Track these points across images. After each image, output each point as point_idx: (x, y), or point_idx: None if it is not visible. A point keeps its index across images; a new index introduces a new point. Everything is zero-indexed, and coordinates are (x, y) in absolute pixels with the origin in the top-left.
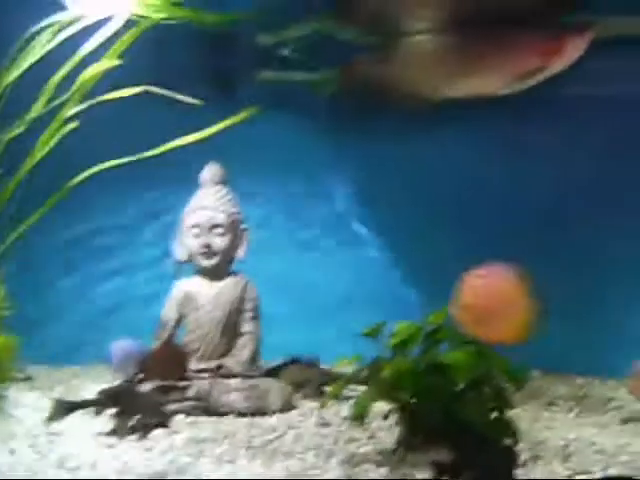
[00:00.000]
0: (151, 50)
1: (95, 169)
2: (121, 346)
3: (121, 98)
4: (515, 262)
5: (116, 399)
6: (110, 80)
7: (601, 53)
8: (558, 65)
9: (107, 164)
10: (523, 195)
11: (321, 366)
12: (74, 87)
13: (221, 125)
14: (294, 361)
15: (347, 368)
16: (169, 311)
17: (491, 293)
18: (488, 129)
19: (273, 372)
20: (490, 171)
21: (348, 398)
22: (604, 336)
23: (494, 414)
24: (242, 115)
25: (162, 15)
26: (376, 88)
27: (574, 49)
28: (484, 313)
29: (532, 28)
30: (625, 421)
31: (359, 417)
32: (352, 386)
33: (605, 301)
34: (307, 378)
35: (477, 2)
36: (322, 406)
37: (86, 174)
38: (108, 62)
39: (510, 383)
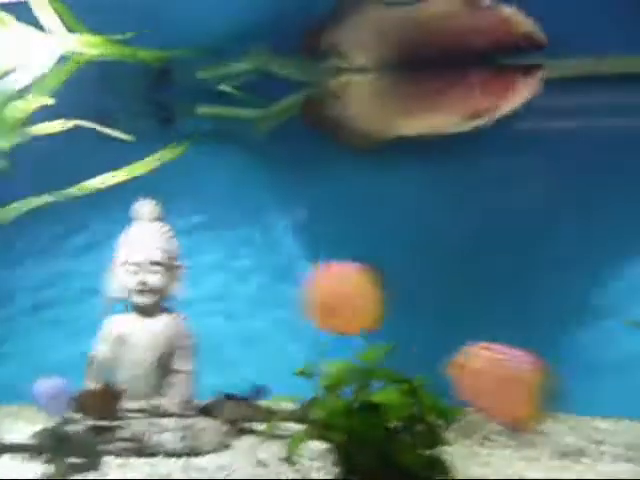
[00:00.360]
0: (91, 84)
1: (22, 205)
2: (46, 385)
3: (56, 133)
4: (460, 296)
5: (47, 441)
6: (48, 115)
7: (551, 92)
8: (508, 105)
9: (35, 201)
10: (468, 230)
11: (266, 399)
12: (3, 124)
13: (151, 160)
14: (229, 397)
15: (288, 403)
16: (100, 349)
17: (336, 287)
18: (435, 167)
19: (208, 410)
20: (437, 209)
21: (286, 436)
22: None
23: (427, 452)
24: (173, 151)
25: (96, 52)
26: (329, 124)
27: (524, 89)
28: (331, 306)
29: (483, 68)
30: (557, 455)
31: (292, 457)
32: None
33: (540, 334)
34: (243, 415)
35: (429, 42)
36: (257, 442)
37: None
38: (38, 99)
39: (442, 420)
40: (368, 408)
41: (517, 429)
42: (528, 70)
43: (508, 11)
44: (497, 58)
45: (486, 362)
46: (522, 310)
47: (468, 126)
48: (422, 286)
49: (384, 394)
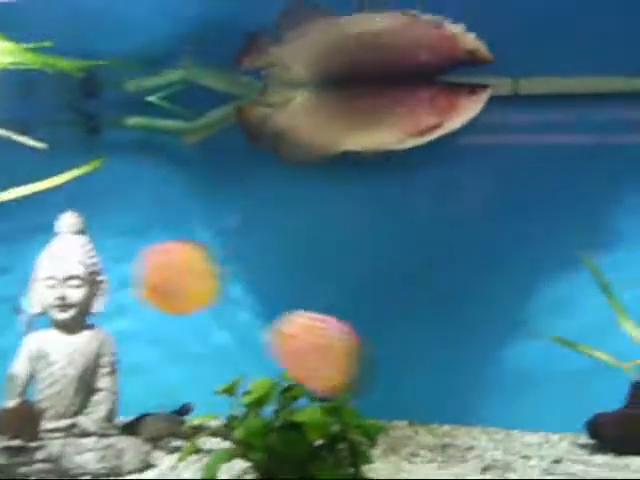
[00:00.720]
0: (10, 92)
1: None
2: None
3: None
4: (383, 316)
5: None
6: None
7: (497, 109)
8: (454, 123)
9: None
10: (408, 244)
11: (191, 416)
12: None
13: (75, 171)
14: (152, 415)
15: (213, 421)
16: (19, 366)
17: (169, 267)
18: (376, 183)
19: (130, 428)
20: (378, 225)
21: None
22: (468, 383)
23: (351, 470)
24: (98, 162)
25: (10, 60)
26: (270, 138)
27: (470, 107)
28: (166, 287)
29: (428, 85)
30: (484, 470)
31: (211, 477)
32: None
33: (473, 348)
34: (167, 432)
35: (373, 57)
36: (180, 460)
37: None
38: None
39: (365, 438)
40: (289, 427)
41: (329, 396)
42: (474, 88)
43: (452, 28)
44: (442, 75)
45: (300, 328)
46: (455, 324)
47: (412, 143)
48: (357, 302)
49: (305, 413)
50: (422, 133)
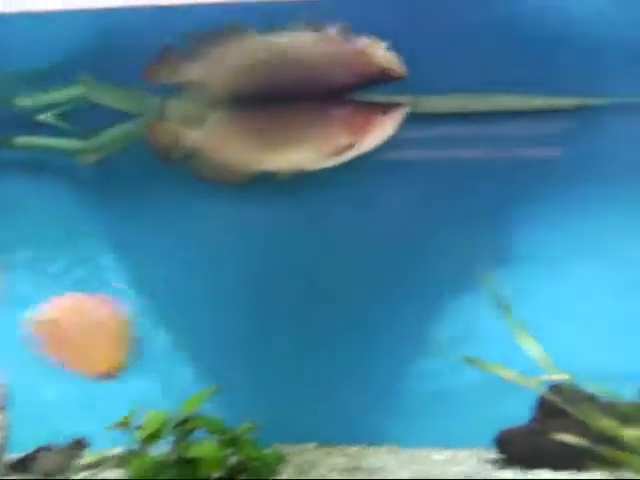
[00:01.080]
0: None
1: None
2: None
3: None
4: (293, 338)
5: None
6: None
7: (417, 124)
8: (369, 142)
9: None
10: (324, 264)
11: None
12: None
13: None
14: (44, 449)
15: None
16: None
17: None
18: (295, 202)
19: (22, 464)
20: (298, 244)
21: None
22: (375, 403)
23: None
24: None
25: None
26: (182, 157)
27: (384, 127)
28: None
29: (343, 103)
30: None
31: None
32: None
33: (379, 367)
34: (60, 467)
35: (287, 75)
36: None
37: None
38: None
39: (265, 469)
40: (185, 462)
41: (102, 377)
42: (387, 107)
43: (365, 43)
44: (357, 92)
45: (63, 311)
46: (362, 343)
47: (328, 163)
48: (268, 323)
49: (201, 447)
50: (337, 153)
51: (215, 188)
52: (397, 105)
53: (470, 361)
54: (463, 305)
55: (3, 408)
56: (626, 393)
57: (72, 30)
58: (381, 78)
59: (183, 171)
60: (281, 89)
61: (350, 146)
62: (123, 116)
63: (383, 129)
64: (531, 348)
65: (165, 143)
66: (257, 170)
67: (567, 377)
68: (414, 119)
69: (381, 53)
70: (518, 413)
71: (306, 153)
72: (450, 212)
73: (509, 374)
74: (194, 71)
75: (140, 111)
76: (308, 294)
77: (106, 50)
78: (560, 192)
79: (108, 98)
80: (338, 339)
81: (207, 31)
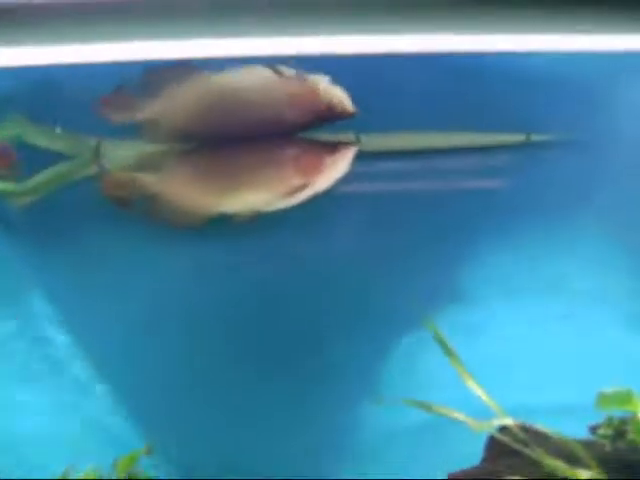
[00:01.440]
0: None
1: None
2: None
3: None
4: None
5: None
6: None
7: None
8: (321, 182)
9: None
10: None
11: None
12: None
13: None
14: None
15: None
16: None
17: None
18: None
19: None
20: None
21: None
22: (321, 445)
23: None
24: None
25: None
26: (136, 201)
27: (335, 165)
28: None
29: (294, 143)
30: None
31: None
32: None
33: (325, 408)
34: None
35: (239, 114)
36: None
37: None
38: None
39: None
40: None
41: None
42: (336, 146)
43: (315, 81)
44: (308, 131)
45: None
46: (306, 383)
47: (281, 204)
48: (209, 362)
49: None
50: (290, 194)
51: (165, 231)
52: (346, 143)
53: (417, 404)
54: (412, 344)
55: None
56: (580, 431)
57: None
58: (331, 116)
59: (130, 214)
60: (236, 129)
61: (304, 186)
62: (58, 157)
63: (335, 168)
64: (477, 391)
65: (123, 194)
66: (214, 213)
67: (514, 421)
68: (359, 156)
69: (331, 91)
70: (468, 454)
71: (260, 195)
72: (397, 246)
73: (458, 415)
74: (148, 109)
75: (75, 152)
76: (257, 334)
77: (40, 89)
78: (504, 225)
79: (42, 139)
80: (284, 380)
81: (160, 67)
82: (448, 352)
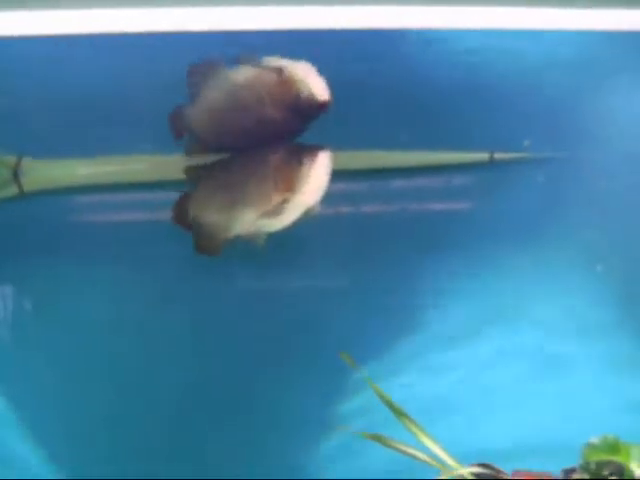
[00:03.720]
0: None
1: None
2: None
3: None
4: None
5: None
6: None
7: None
8: (304, 197)
9: None
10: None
11: None
12: None
13: None
14: None
15: None
16: None
17: None
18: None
19: None
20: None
21: None
22: None
23: None
24: None
25: None
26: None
27: (315, 176)
28: None
29: (276, 151)
30: None
31: None
32: None
33: (281, 447)
34: None
35: (241, 117)
36: None
37: None
38: None
39: None
40: None
41: None
42: (312, 151)
43: (293, 70)
44: (293, 133)
45: None
46: (265, 422)
47: (267, 225)
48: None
49: None
50: (273, 212)
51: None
52: (321, 148)
53: (374, 437)
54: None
55: None
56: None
57: None
58: (310, 111)
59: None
60: (237, 135)
61: (282, 202)
62: None
63: (314, 180)
64: (431, 446)
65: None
66: (236, 234)
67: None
68: None
69: (309, 80)
70: None
71: (248, 214)
72: (354, 270)
73: (417, 453)
74: (192, 117)
75: None
76: (208, 372)
77: None
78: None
79: None
80: (240, 418)
81: (199, 67)
82: (397, 413)
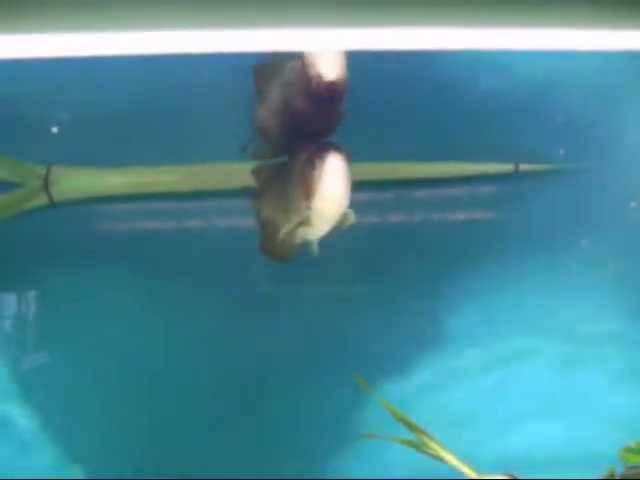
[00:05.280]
0: None
1: None
2: None
3: None
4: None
5: None
6: None
7: None
8: (322, 204)
9: None
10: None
11: None
12: None
13: None
14: None
15: None
16: None
17: None
18: None
19: None
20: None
21: None
22: None
23: None
24: None
25: None
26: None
27: (330, 184)
28: None
29: (303, 152)
30: None
31: None
32: None
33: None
34: None
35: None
36: None
37: None
38: None
39: None
40: None
41: None
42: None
43: (312, 57)
44: (329, 129)
45: None
46: (281, 436)
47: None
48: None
49: None
50: (305, 221)
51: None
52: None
53: (407, 443)
54: (390, 392)
55: None
56: None
57: None
58: (318, 89)
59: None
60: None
61: (306, 209)
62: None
63: (329, 187)
64: (449, 459)
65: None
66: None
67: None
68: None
69: (326, 62)
70: None
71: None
72: (380, 280)
73: (445, 455)
74: (261, 116)
75: (23, 180)
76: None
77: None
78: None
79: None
80: (259, 422)
81: (266, 64)
82: (415, 430)
